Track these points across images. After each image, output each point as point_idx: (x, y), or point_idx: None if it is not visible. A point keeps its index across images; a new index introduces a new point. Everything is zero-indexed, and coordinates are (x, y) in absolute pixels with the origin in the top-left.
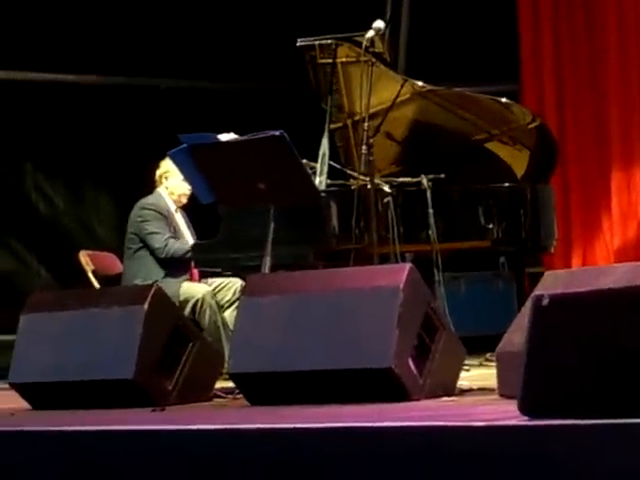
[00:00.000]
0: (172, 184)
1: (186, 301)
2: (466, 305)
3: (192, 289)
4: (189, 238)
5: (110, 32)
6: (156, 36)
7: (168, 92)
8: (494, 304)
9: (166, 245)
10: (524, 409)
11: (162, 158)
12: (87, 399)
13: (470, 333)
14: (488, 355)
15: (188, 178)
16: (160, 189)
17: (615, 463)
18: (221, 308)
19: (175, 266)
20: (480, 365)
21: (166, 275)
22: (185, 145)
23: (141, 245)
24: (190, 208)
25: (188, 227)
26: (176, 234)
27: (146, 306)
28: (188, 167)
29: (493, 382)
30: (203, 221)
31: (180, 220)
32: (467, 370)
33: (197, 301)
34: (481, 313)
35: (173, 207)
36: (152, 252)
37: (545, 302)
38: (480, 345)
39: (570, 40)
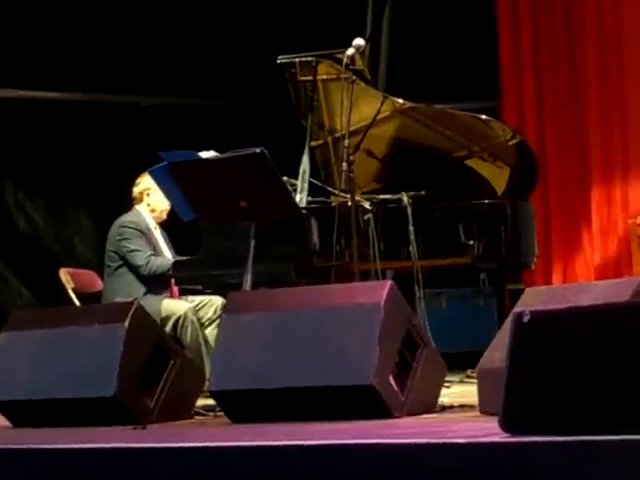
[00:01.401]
0: (154, 200)
1: (167, 318)
2: (447, 321)
3: (173, 306)
4: (168, 255)
5: (91, 49)
6: (137, 53)
7: (149, 109)
8: (475, 320)
9: (148, 262)
10: (505, 426)
11: (143, 175)
12: (68, 417)
13: (451, 349)
14: (469, 372)
15: (169, 196)
16: (139, 206)
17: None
18: (202, 326)
19: (156, 283)
20: (461, 382)
21: (147, 292)
22: (166, 162)
23: (121, 263)
24: (168, 224)
25: (167, 244)
26: (156, 251)
27: (127, 324)
28: (169, 185)
29: (474, 399)
30: (181, 237)
31: (159, 237)
32: (448, 387)
33: (179, 318)
34: (462, 329)
35: (152, 224)
36: (133, 270)
37: (526, 319)
38: (461, 361)
39: (550, 57)
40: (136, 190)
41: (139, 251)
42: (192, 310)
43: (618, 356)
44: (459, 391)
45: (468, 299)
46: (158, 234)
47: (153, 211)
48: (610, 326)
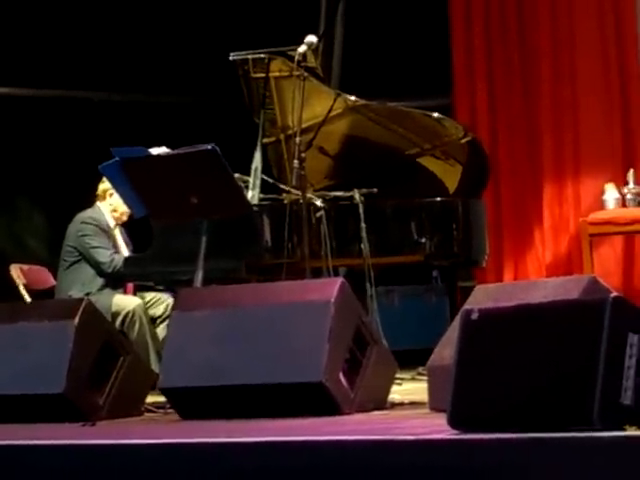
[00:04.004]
0: (117, 201)
1: (117, 313)
2: (399, 319)
3: (123, 301)
4: (126, 254)
5: (43, 44)
6: (90, 49)
7: (101, 105)
8: (427, 318)
9: (112, 260)
10: (453, 423)
11: (96, 171)
12: (17, 413)
13: (403, 347)
14: (420, 369)
15: (120, 192)
16: (101, 204)
17: (542, 476)
18: (154, 322)
19: (112, 278)
20: (412, 379)
21: (103, 287)
22: (117, 159)
23: (78, 258)
24: (127, 224)
25: (126, 244)
26: (115, 249)
27: (76, 321)
28: (120, 181)
29: (424, 396)
30: (140, 237)
31: (118, 236)
32: (399, 384)
33: (127, 313)
34: (414, 327)
35: (112, 223)
36: (93, 266)
37: (474, 316)
38: (413, 359)
39: (502, 55)
40: (101, 187)
41: (102, 248)
42: (141, 307)
43: (567, 353)
44: (410, 388)
45: (420, 296)
46: (117, 233)
47: (114, 211)
48: (559, 323)
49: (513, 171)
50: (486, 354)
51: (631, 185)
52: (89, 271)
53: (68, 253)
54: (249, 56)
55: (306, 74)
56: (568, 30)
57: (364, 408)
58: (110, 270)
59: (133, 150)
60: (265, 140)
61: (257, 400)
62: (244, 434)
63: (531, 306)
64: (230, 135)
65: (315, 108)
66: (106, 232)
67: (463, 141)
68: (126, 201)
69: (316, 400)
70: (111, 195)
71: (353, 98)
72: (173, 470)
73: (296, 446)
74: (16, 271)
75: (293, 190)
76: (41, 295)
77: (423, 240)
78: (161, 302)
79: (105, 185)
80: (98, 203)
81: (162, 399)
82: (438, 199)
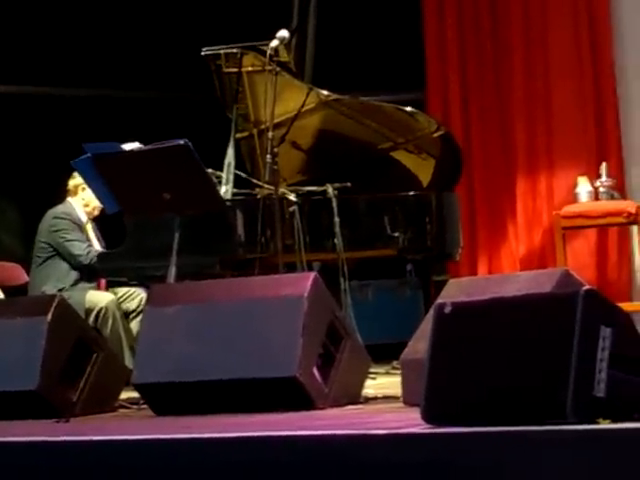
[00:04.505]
0: (89, 196)
1: (91, 310)
2: (374, 313)
3: (97, 297)
4: (99, 249)
5: (13, 40)
6: (60, 44)
7: (73, 101)
8: (401, 312)
9: (89, 252)
10: (426, 417)
11: (68, 167)
12: None
13: (378, 341)
14: (395, 363)
15: (93, 188)
16: (73, 199)
17: (516, 470)
18: (127, 318)
19: (87, 272)
20: (387, 373)
21: (76, 282)
22: (89, 154)
23: (52, 254)
24: (99, 219)
25: (98, 239)
26: (89, 243)
27: (49, 317)
28: (92, 176)
29: (398, 390)
30: (112, 233)
31: (90, 231)
32: (374, 378)
33: (101, 310)
34: (389, 321)
35: (84, 218)
36: (69, 259)
37: (447, 310)
38: (388, 353)
39: (475, 49)
40: (71, 183)
41: (77, 241)
42: (114, 302)
43: (540, 347)
44: (385, 382)
45: (394, 290)
46: (89, 228)
47: (86, 206)
48: (532, 317)
49: (486, 165)
50: (459, 348)
51: (604, 178)
52: (63, 266)
53: (41, 249)
54: (221, 51)
55: (278, 69)
56: (541, 23)
57: (338, 402)
58: (87, 262)
59: (105, 146)
60: (238, 135)
61: (231, 395)
62: (217, 430)
63: (504, 300)
64: (203, 130)
65: (288, 103)
66: (79, 227)
67: (436, 135)
68: (98, 197)
69: (290, 395)
70: (83, 189)
71: (326, 92)
72: (147, 466)
73: (270, 441)
74: None
75: (266, 185)
76: (14, 292)
77: (397, 234)
78: (135, 296)
79: (76, 180)
80: (69, 198)
81: (136, 395)
82: (411, 193)
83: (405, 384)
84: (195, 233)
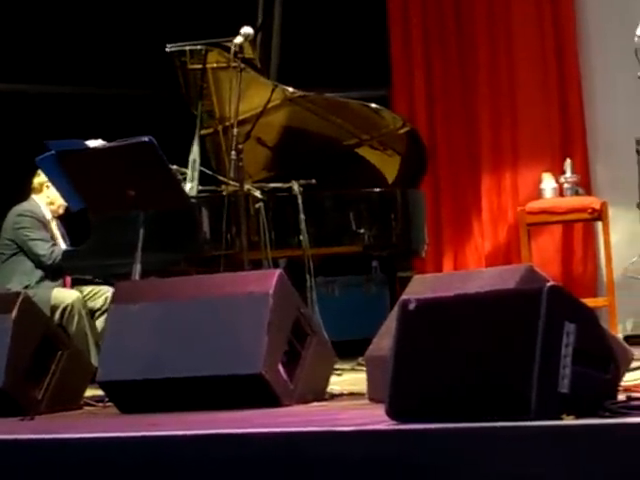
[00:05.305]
0: (54, 194)
1: (56, 307)
2: (340, 309)
3: (62, 295)
4: (63, 247)
5: None
6: (21, 41)
7: (36, 98)
8: (367, 308)
9: (52, 252)
10: (391, 413)
11: (32, 164)
12: None
13: (344, 337)
14: (360, 359)
15: (57, 185)
16: (37, 197)
17: (481, 466)
18: (93, 316)
19: (51, 271)
20: (352, 369)
21: (41, 279)
22: (52, 152)
23: (17, 251)
24: (63, 217)
25: (63, 237)
26: (54, 242)
27: (14, 314)
28: (56, 174)
29: (364, 387)
30: (77, 230)
31: (55, 229)
32: (339, 375)
33: (66, 307)
34: (355, 317)
35: (49, 216)
36: (31, 258)
37: (412, 306)
38: (354, 349)
39: (440, 46)
40: (36, 181)
41: (41, 240)
42: (80, 300)
43: (504, 343)
44: (350, 379)
45: (360, 287)
46: (54, 226)
47: (51, 204)
48: (496, 313)
49: (451, 161)
50: (424, 344)
51: (568, 174)
52: (28, 263)
53: (5, 246)
54: (186, 47)
55: (243, 65)
56: (505, 20)
57: (303, 399)
58: (50, 262)
59: (69, 143)
60: (203, 132)
61: (196, 393)
62: (183, 427)
63: (468, 296)
64: (168, 127)
65: (253, 99)
66: (43, 224)
67: (401, 132)
68: (63, 194)
69: (255, 392)
70: (48, 187)
71: (291, 89)
72: (112, 464)
73: (236, 438)
74: None
75: (231, 182)
76: None
77: (362, 230)
78: (100, 294)
79: (41, 178)
80: (34, 196)
81: (101, 392)
82: (376, 189)
83: (370, 381)
84: (160, 230)
